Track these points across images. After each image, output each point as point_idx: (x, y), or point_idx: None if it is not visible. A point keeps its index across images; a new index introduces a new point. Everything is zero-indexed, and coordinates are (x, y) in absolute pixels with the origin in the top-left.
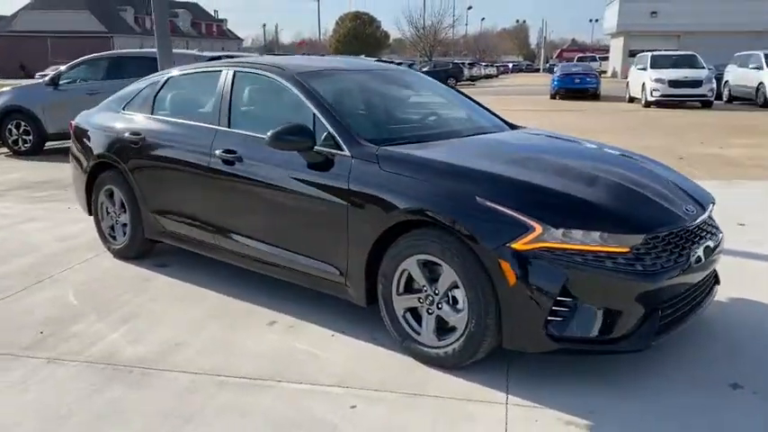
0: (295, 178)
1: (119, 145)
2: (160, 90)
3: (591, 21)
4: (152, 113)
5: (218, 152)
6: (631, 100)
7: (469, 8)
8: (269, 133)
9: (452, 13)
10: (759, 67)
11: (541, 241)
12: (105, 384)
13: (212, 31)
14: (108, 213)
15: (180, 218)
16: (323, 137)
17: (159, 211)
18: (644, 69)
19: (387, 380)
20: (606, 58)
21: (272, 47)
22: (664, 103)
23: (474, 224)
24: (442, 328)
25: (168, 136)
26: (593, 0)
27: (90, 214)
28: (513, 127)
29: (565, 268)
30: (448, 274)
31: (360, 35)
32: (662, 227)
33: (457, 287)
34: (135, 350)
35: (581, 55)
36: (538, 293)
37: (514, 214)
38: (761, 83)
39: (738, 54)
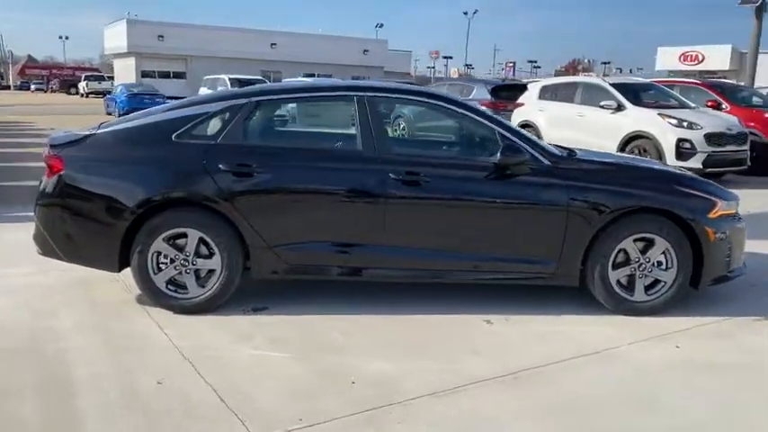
0: (506, 190)
1: (207, 178)
2: (250, 116)
3: (61, 38)
4: (245, 141)
5: (393, 175)
6: None
7: None
8: (499, 154)
9: None
10: None
11: (719, 211)
12: (518, 390)
13: None
14: (167, 264)
15: (322, 246)
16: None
17: (285, 245)
18: None
19: (646, 330)
20: (112, 77)
21: None
22: None
23: (686, 206)
24: (648, 286)
25: (299, 164)
26: (59, 17)
27: (118, 271)
28: None
29: (728, 225)
30: (660, 245)
31: None
32: None
33: (663, 252)
34: (470, 366)
35: (89, 74)
36: (725, 244)
37: (708, 196)
38: None
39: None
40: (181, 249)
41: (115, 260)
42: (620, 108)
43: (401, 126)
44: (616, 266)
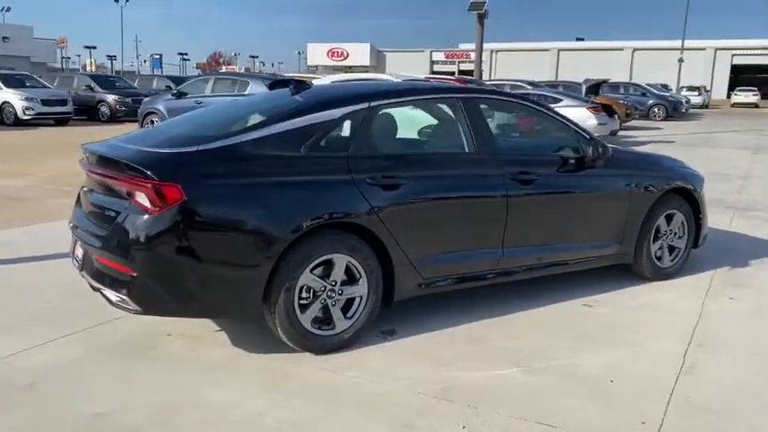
0: (593, 182)
1: (356, 194)
2: (372, 122)
3: None
4: (377, 150)
5: (510, 176)
6: None
7: None
8: (600, 149)
9: None
10: None
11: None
12: (722, 354)
13: None
14: (310, 298)
15: (456, 257)
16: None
17: (425, 259)
18: None
19: (686, 290)
20: None
21: None
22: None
23: (694, 183)
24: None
25: (434, 172)
26: None
27: (253, 317)
28: None
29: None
30: (678, 218)
31: None
32: None
33: (678, 224)
34: (650, 346)
35: None
36: (706, 213)
37: (698, 173)
38: (5, 102)
39: None
40: (324, 279)
41: (259, 304)
42: None
43: (513, 127)
44: (653, 240)
